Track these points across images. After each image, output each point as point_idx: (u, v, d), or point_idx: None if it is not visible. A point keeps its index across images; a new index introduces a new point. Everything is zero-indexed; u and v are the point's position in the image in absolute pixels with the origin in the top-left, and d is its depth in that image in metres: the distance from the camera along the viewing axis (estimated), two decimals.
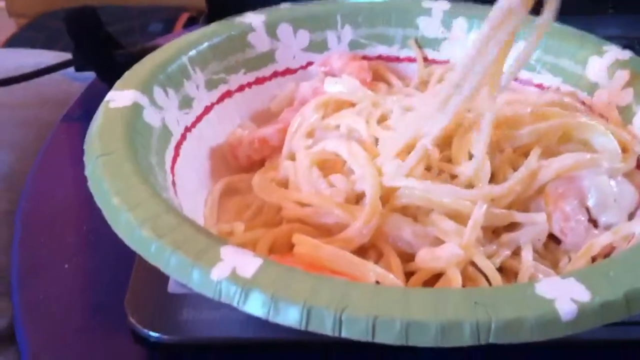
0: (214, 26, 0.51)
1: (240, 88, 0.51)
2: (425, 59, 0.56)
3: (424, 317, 0.28)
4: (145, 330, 0.36)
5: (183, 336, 0.36)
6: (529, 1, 0.37)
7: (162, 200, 0.34)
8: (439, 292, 0.31)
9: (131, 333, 0.36)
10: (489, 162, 0.40)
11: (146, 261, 0.32)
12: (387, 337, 0.28)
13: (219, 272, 0.30)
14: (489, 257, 0.38)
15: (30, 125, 0.63)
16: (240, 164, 0.47)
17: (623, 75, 0.47)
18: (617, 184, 0.40)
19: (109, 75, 0.44)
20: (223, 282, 0.29)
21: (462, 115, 0.42)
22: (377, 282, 0.34)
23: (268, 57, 0.53)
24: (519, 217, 0.39)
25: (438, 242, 0.38)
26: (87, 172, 0.36)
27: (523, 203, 0.41)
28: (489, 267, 0.37)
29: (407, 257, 0.38)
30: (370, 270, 0.35)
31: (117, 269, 0.40)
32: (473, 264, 0.38)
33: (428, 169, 0.41)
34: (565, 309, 0.28)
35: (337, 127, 0.46)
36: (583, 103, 0.49)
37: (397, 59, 0.56)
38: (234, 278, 0.29)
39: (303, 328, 0.28)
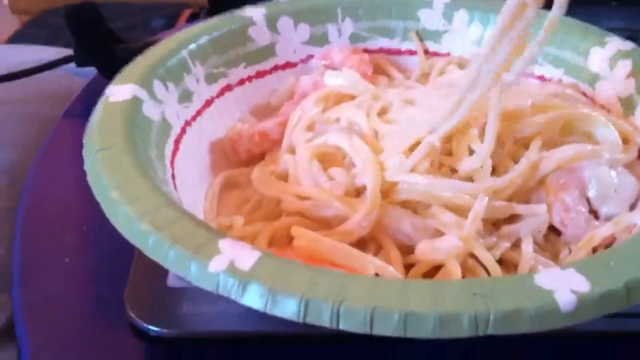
0: (214, 20, 0.51)
1: (241, 82, 0.51)
2: (427, 52, 0.55)
3: (422, 309, 0.28)
4: (145, 324, 0.36)
5: (182, 330, 0.36)
6: None
7: (162, 193, 0.34)
8: (437, 284, 0.30)
9: (130, 327, 0.36)
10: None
11: (146, 255, 0.32)
12: (385, 329, 0.28)
13: (216, 265, 0.30)
14: (489, 249, 0.38)
15: (31, 121, 0.63)
16: (241, 158, 0.47)
17: (625, 66, 0.46)
18: (617, 175, 0.39)
19: (110, 71, 0.44)
20: (221, 275, 0.29)
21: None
22: (377, 275, 0.34)
23: (268, 51, 0.53)
24: (519, 208, 0.39)
25: (438, 234, 0.38)
26: (86, 167, 0.36)
27: (524, 195, 0.40)
28: (489, 259, 0.37)
29: (407, 250, 0.38)
30: (370, 262, 0.35)
31: (117, 263, 0.40)
32: (473, 256, 0.37)
33: (431, 163, 0.41)
34: (565, 299, 0.28)
35: (337, 120, 0.46)
36: (585, 95, 0.48)
37: (398, 52, 0.56)
38: (231, 271, 0.29)
39: (301, 320, 0.28)
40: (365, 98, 0.46)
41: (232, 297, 0.29)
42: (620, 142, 0.41)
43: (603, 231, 0.38)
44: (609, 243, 0.38)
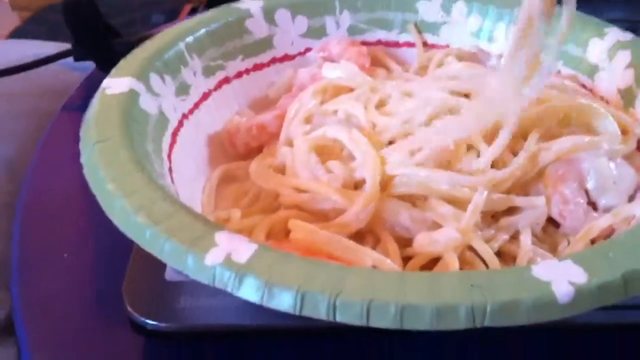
0: (211, 12, 0.51)
1: (238, 74, 0.50)
2: (425, 44, 0.55)
3: (419, 301, 0.28)
4: (143, 319, 0.36)
5: (180, 324, 0.36)
6: None
7: (158, 187, 0.34)
8: (434, 276, 0.30)
9: (129, 321, 0.36)
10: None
11: (143, 249, 0.32)
12: (381, 321, 0.28)
13: (213, 258, 0.30)
14: (487, 241, 0.38)
15: (29, 116, 0.63)
16: (238, 151, 0.47)
17: (624, 57, 0.46)
18: (616, 166, 0.39)
19: (108, 65, 0.44)
20: (217, 268, 0.29)
21: None
22: (374, 267, 0.34)
23: (266, 43, 0.52)
24: (518, 201, 0.39)
25: (436, 226, 0.38)
26: (82, 159, 0.36)
27: (522, 187, 0.40)
28: (487, 252, 0.37)
29: (405, 243, 0.38)
30: (367, 255, 0.35)
31: (115, 258, 0.40)
32: (471, 248, 0.37)
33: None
34: (562, 290, 0.28)
35: (335, 112, 0.45)
36: (584, 86, 0.48)
37: (397, 44, 0.56)
38: (228, 263, 0.29)
39: (297, 313, 0.28)
40: (363, 90, 0.46)
41: (229, 290, 0.29)
42: (619, 133, 0.41)
43: (601, 223, 0.37)
44: (607, 234, 0.38)
